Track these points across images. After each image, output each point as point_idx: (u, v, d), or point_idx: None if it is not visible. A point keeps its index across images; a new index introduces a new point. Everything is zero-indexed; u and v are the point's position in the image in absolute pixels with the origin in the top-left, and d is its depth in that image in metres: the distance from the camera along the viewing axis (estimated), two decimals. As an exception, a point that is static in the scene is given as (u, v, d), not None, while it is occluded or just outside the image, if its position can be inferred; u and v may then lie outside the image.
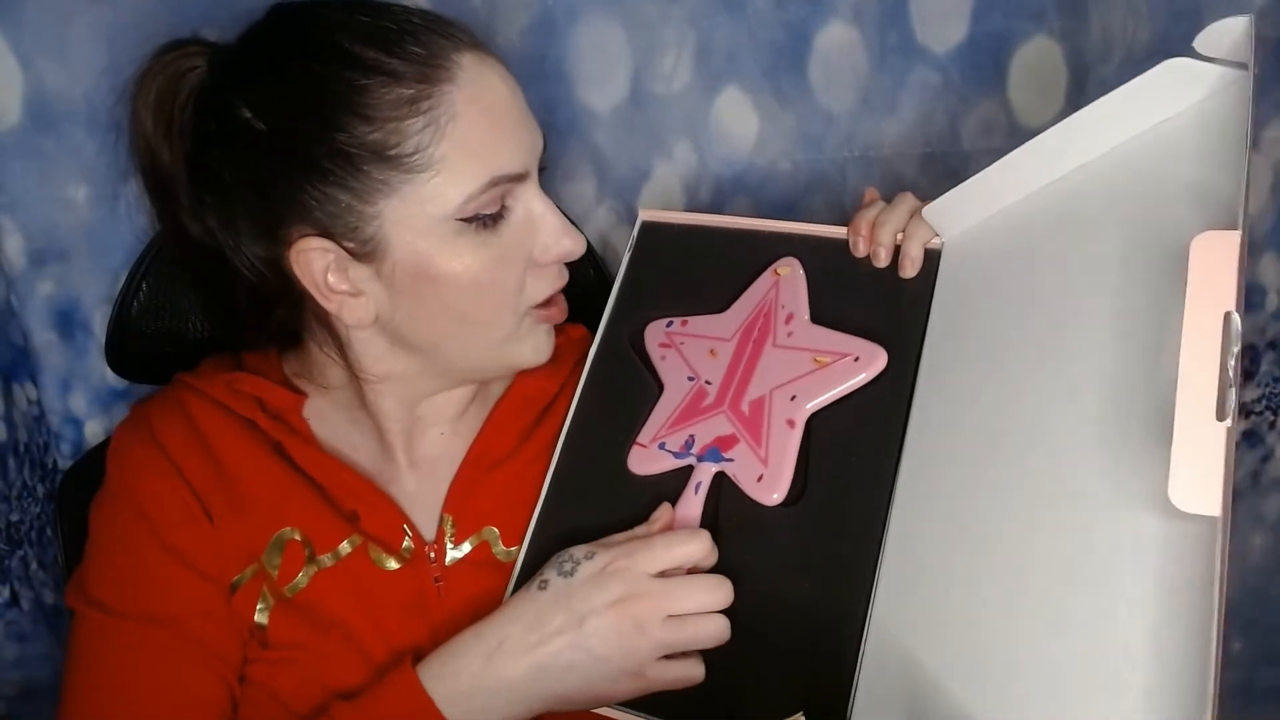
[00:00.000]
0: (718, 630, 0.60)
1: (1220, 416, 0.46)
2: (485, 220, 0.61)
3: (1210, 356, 0.47)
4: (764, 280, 0.71)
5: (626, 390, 0.70)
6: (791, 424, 0.64)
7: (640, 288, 0.74)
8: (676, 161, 0.89)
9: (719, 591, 0.60)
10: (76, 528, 0.69)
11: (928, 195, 0.68)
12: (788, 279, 0.70)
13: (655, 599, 0.59)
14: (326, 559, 0.65)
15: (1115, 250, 0.59)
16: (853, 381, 0.65)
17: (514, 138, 0.62)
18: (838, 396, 0.65)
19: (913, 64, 0.91)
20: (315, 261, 0.61)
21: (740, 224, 0.74)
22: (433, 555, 0.66)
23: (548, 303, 0.66)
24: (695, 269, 0.73)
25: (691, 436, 0.66)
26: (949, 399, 0.62)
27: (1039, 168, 0.63)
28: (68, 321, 0.80)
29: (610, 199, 0.89)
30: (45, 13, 0.74)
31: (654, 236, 0.75)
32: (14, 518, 0.78)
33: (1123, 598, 0.50)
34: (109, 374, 0.79)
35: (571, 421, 0.70)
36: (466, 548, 0.67)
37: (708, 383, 0.68)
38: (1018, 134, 0.94)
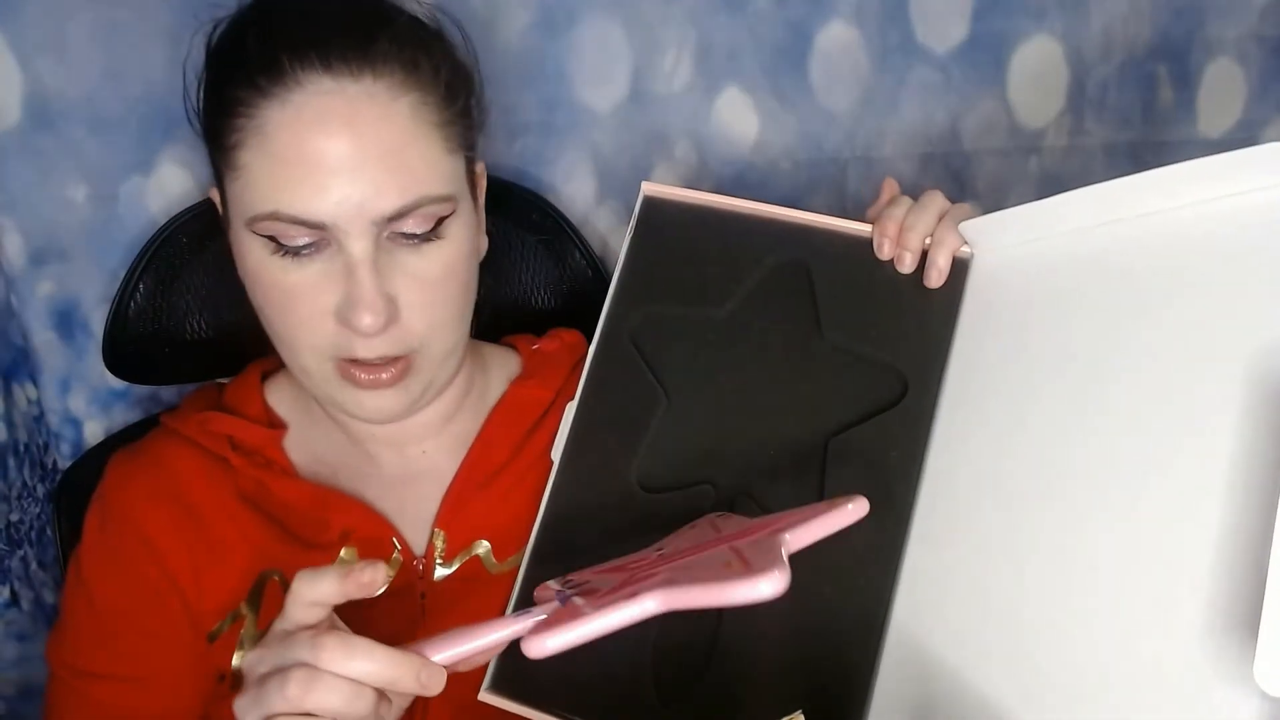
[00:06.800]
0: None
1: None
2: (285, 248, 0.58)
3: None
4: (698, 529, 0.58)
5: (628, 395, 0.66)
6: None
7: (643, 277, 0.68)
8: (677, 161, 0.89)
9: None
10: (76, 528, 0.70)
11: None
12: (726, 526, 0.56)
13: None
14: None
15: (1180, 334, 0.54)
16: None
17: (314, 184, 0.56)
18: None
19: (913, 63, 0.91)
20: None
21: (753, 209, 0.67)
22: (420, 568, 0.66)
23: (361, 364, 0.60)
24: (703, 257, 0.67)
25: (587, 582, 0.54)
26: (972, 451, 0.59)
27: (1096, 209, 0.58)
28: (67, 321, 0.80)
29: (610, 199, 0.89)
30: (45, 12, 0.74)
31: (658, 215, 0.69)
32: (14, 518, 0.78)
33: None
34: (108, 374, 0.78)
35: (572, 428, 0.66)
36: (456, 564, 0.66)
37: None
38: (1018, 133, 0.94)
